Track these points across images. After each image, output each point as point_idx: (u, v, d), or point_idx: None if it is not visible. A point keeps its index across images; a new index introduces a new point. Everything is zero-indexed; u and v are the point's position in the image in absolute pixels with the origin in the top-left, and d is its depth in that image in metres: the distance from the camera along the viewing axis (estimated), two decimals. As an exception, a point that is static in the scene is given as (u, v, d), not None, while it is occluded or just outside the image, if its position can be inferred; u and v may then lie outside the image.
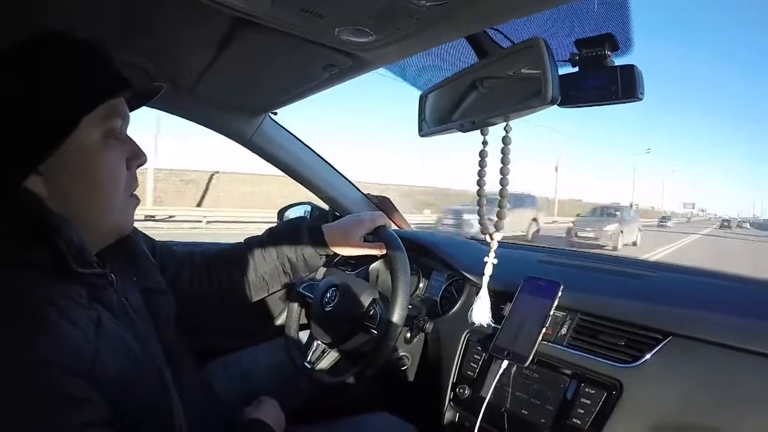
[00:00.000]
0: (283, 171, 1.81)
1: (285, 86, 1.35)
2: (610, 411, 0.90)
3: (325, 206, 1.96)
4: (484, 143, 0.98)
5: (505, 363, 1.05)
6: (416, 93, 1.12)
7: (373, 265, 1.46)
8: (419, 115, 1.08)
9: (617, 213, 18.99)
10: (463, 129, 0.96)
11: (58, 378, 0.56)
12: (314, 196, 1.94)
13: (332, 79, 1.20)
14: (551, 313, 1.06)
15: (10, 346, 0.55)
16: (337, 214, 1.92)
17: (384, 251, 1.18)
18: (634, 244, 18.78)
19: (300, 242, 1.18)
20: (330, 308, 1.22)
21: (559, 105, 0.83)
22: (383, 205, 1.96)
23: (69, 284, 0.65)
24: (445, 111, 1.02)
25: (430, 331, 1.27)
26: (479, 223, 1.03)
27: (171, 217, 18.42)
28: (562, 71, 0.83)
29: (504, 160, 0.93)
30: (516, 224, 17.51)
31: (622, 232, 17.40)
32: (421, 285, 1.51)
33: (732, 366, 0.84)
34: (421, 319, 1.27)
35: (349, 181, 1.95)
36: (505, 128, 0.92)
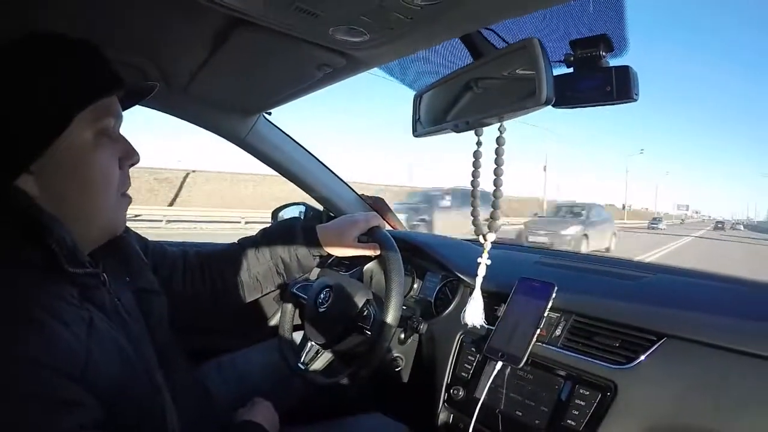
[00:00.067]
0: (277, 171, 1.80)
1: (279, 86, 1.35)
2: (605, 412, 0.90)
3: (320, 207, 1.95)
4: (479, 144, 0.97)
5: (500, 364, 1.04)
6: (410, 93, 1.11)
7: (367, 266, 1.46)
8: (413, 115, 1.08)
9: (582, 213, 15.37)
10: (458, 129, 0.96)
11: (49, 379, 0.56)
12: (307, 196, 1.94)
13: (327, 78, 1.19)
14: (545, 315, 1.05)
15: (0, 346, 0.55)
16: (332, 214, 1.92)
17: (378, 252, 1.18)
18: (607, 250, 15.16)
19: (294, 243, 1.18)
20: (324, 309, 1.22)
21: (553, 106, 0.83)
22: (377, 205, 1.96)
23: (61, 284, 0.65)
24: (440, 111, 1.02)
25: (424, 332, 1.27)
26: (472, 224, 1.03)
27: (137, 216, 17.71)
28: (556, 72, 0.83)
29: (498, 161, 0.93)
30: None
31: (586, 235, 14.08)
32: (415, 286, 1.51)
33: (726, 367, 0.84)
34: (416, 320, 1.27)
35: (344, 182, 1.95)
36: (499, 129, 0.92)
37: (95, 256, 0.77)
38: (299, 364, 1.29)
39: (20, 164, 0.66)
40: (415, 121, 1.08)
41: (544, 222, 15.95)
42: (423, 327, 1.27)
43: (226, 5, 0.80)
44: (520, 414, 1.01)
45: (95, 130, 0.71)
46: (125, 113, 0.79)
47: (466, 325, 1.10)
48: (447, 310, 1.31)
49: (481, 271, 1.04)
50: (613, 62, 0.86)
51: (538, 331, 1.04)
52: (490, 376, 1.04)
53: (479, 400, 1.04)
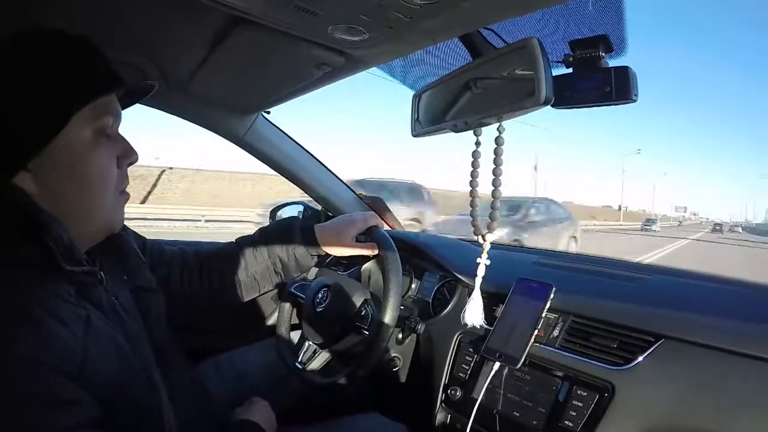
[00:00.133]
0: (275, 170, 1.80)
1: (278, 85, 1.35)
2: (602, 413, 0.90)
3: (318, 206, 1.95)
4: (477, 144, 0.97)
5: (497, 365, 1.04)
6: (409, 93, 1.11)
7: (365, 266, 1.46)
8: (412, 115, 1.08)
9: (517, 211, 10.71)
10: (456, 129, 0.96)
11: (46, 378, 0.55)
12: (302, 195, 1.94)
13: (325, 78, 1.19)
14: (543, 315, 1.05)
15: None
16: (330, 214, 1.91)
17: (376, 252, 1.17)
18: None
19: (292, 242, 1.18)
20: (321, 308, 1.22)
21: (552, 106, 0.83)
22: (375, 205, 1.96)
23: (58, 282, 0.65)
24: (439, 111, 1.02)
25: (422, 332, 1.27)
26: (472, 225, 1.03)
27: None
28: (555, 72, 0.83)
29: (497, 161, 0.93)
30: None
31: (517, 241, 9.81)
32: (413, 286, 1.51)
33: (724, 369, 0.84)
34: (413, 320, 1.26)
35: (342, 181, 1.94)
36: (498, 129, 0.92)
37: (92, 254, 0.77)
38: (297, 364, 1.29)
39: (18, 162, 0.66)
40: (414, 120, 1.08)
41: (455, 222, 11.29)
42: (421, 327, 1.26)
43: (226, 4, 0.80)
44: (518, 415, 1.01)
45: (94, 129, 0.70)
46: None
47: (466, 325, 1.10)
48: (445, 311, 1.31)
49: (481, 271, 1.04)
50: (613, 63, 0.86)
51: (536, 331, 1.04)
52: (488, 377, 1.04)
53: (477, 400, 1.04)
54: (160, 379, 0.80)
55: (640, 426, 0.87)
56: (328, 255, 1.24)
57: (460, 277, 1.33)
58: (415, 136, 1.07)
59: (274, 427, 1.09)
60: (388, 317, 1.06)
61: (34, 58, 0.66)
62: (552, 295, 1.06)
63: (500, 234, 11.09)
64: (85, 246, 0.74)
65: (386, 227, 1.92)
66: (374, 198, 2.01)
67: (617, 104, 0.83)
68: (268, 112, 1.67)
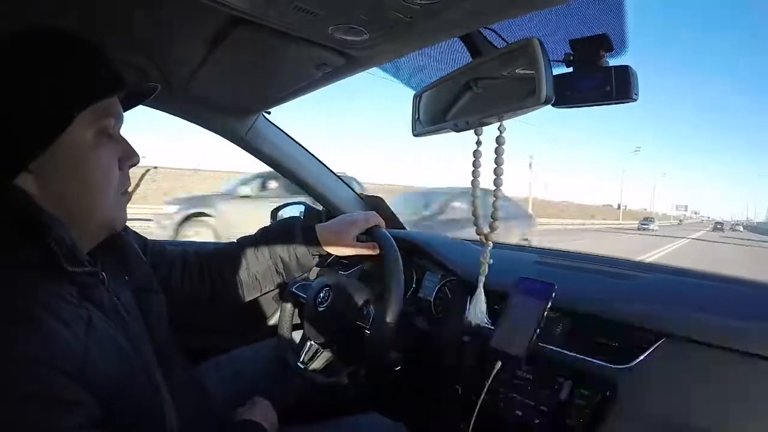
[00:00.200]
0: (276, 170, 1.80)
1: (278, 85, 1.35)
2: (604, 412, 0.90)
3: (319, 206, 1.95)
4: (478, 143, 0.97)
5: (499, 364, 1.04)
6: (409, 93, 1.11)
7: (367, 265, 1.46)
8: (413, 114, 1.08)
9: (432, 205, 8.37)
10: (457, 129, 0.96)
11: (47, 378, 0.56)
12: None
13: (326, 78, 1.19)
14: (545, 314, 1.05)
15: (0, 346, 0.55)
16: (331, 213, 1.91)
17: (377, 251, 1.17)
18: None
19: (293, 242, 1.18)
20: (323, 308, 1.22)
21: (553, 105, 0.82)
22: (376, 204, 1.96)
23: (59, 283, 0.65)
24: (439, 111, 1.02)
25: (423, 332, 1.27)
26: (474, 224, 1.03)
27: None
28: (556, 71, 0.83)
29: (498, 161, 0.93)
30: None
31: None
32: (414, 285, 1.51)
33: (726, 367, 0.84)
34: (415, 320, 1.26)
35: (343, 181, 1.95)
36: (499, 128, 0.92)
37: (94, 254, 0.77)
38: (298, 364, 1.29)
39: (19, 163, 0.66)
40: (415, 120, 1.07)
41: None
42: (422, 327, 1.26)
43: (226, 4, 0.80)
44: (520, 414, 1.01)
45: (95, 130, 0.70)
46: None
47: (469, 323, 1.10)
48: (446, 310, 1.31)
49: (484, 270, 1.04)
50: (613, 62, 0.86)
51: (538, 330, 1.03)
52: (490, 376, 1.04)
53: (478, 400, 1.03)
54: (162, 379, 0.80)
55: (641, 424, 0.87)
56: (329, 255, 1.24)
57: (461, 276, 1.33)
58: (415, 135, 1.07)
59: (276, 427, 1.09)
60: (390, 317, 1.06)
61: (34, 59, 0.66)
62: (554, 294, 1.06)
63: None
64: (86, 246, 0.74)
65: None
66: (375, 198, 2.01)
67: (618, 103, 0.83)
68: (269, 112, 1.67)
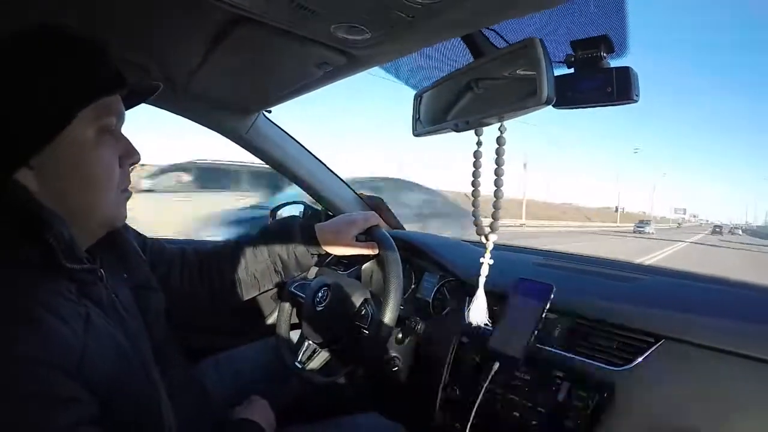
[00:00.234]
0: (276, 169, 1.81)
1: (279, 84, 1.35)
2: (602, 414, 0.90)
3: (318, 205, 1.95)
4: (479, 144, 0.97)
5: (497, 365, 1.04)
6: (410, 93, 1.11)
7: (366, 265, 1.46)
8: (413, 114, 1.08)
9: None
10: (458, 129, 0.96)
11: (46, 376, 0.56)
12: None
13: (327, 77, 1.19)
14: (544, 316, 1.05)
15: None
16: (330, 213, 1.91)
17: (376, 251, 1.17)
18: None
19: (292, 241, 1.18)
20: (321, 308, 1.22)
21: (554, 106, 0.83)
22: (376, 204, 1.96)
23: (58, 280, 0.65)
24: (440, 111, 1.02)
25: (421, 332, 1.27)
26: (474, 224, 1.03)
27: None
28: (557, 72, 0.83)
29: (498, 161, 0.93)
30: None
31: None
32: (413, 286, 1.51)
33: (724, 370, 0.84)
34: (413, 320, 1.26)
35: (342, 180, 1.95)
36: (499, 129, 0.92)
37: (93, 252, 0.78)
38: (296, 363, 1.29)
39: (20, 158, 0.66)
40: (415, 120, 1.08)
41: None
42: (420, 327, 1.26)
43: (227, 2, 0.80)
44: (518, 415, 1.01)
45: (97, 128, 0.70)
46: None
47: (469, 324, 1.10)
48: (445, 311, 1.32)
49: (484, 271, 1.04)
50: (614, 63, 0.86)
51: (536, 332, 1.03)
52: (488, 377, 1.04)
53: (476, 400, 1.03)
54: (160, 377, 0.80)
55: (639, 426, 0.87)
56: (328, 254, 1.24)
57: (460, 277, 1.33)
58: (416, 135, 1.07)
59: (273, 426, 1.09)
60: (388, 317, 1.06)
61: (34, 58, 0.66)
62: (552, 296, 1.06)
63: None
64: (85, 244, 0.74)
65: (386, 227, 1.92)
66: (374, 197, 2.01)
67: (619, 104, 0.83)
68: (269, 111, 1.67)
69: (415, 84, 1.19)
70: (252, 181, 8.02)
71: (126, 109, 0.78)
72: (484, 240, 1.02)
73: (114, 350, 0.67)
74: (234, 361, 1.43)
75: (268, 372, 1.39)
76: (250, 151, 1.74)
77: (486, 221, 1.02)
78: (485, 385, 1.04)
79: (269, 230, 1.22)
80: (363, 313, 1.17)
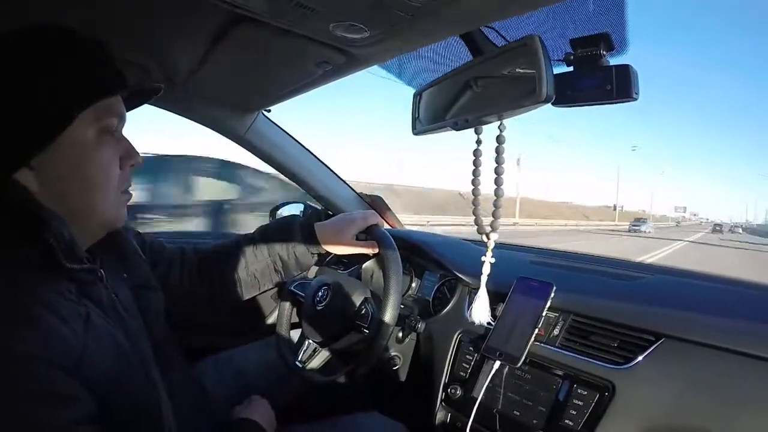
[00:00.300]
0: (275, 169, 1.80)
1: (278, 83, 1.35)
2: (603, 412, 0.90)
3: (318, 205, 1.95)
4: (478, 142, 0.97)
5: (497, 363, 1.04)
6: (409, 91, 1.11)
7: (366, 264, 1.46)
8: (413, 113, 1.08)
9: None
10: (457, 127, 0.96)
11: (45, 374, 0.56)
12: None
13: (326, 76, 1.19)
14: (544, 314, 1.05)
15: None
16: (330, 212, 1.91)
17: (376, 250, 1.17)
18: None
19: (292, 240, 1.18)
20: (321, 307, 1.21)
21: (553, 104, 0.83)
22: (376, 204, 1.96)
23: (58, 280, 0.65)
24: (439, 109, 1.02)
25: (422, 331, 1.27)
26: (475, 223, 1.03)
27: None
28: (556, 70, 0.83)
29: (498, 160, 0.93)
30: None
31: None
32: (413, 285, 1.51)
33: (724, 368, 0.84)
34: (413, 319, 1.26)
35: (342, 180, 1.94)
36: (499, 127, 0.92)
37: (93, 251, 0.78)
38: (296, 362, 1.29)
39: (21, 158, 0.66)
40: (415, 118, 1.07)
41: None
42: (421, 326, 1.26)
43: (227, 1, 0.80)
44: (518, 413, 1.01)
45: (97, 129, 0.70)
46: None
47: (473, 323, 1.10)
48: (445, 310, 1.31)
49: (486, 269, 1.04)
50: (614, 61, 0.86)
51: (537, 330, 1.03)
52: (488, 376, 1.04)
53: (477, 399, 1.04)
54: (159, 376, 0.80)
55: (640, 425, 0.87)
56: (328, 253, 1.24)
57: (460, 276, 1.33)
58: (415, 134, 1.07)
59: (274, 426, 1.09)
60: (388, 316, 1.06)
61: (34, 58, 0.66)
62: (552, 294, 1.06)
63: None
64: (85, 244, 0.74)
65: (386, 226, 1.92)
66: (374, 197, 2.01)
67: (618, 103, 0.83)
68: (269, 111, 1.67)
69: (415, 82, 1.19)
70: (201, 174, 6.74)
71: (127, 111, 0.78)
72: (485, 239, 1.02)
73: (113, 350, 0.67)
74: (234, 361, 1.42)
75: (269, 371, 1.39)
76: (250, 151, 1.73)
77: (486, 220, 1.02)
78: (485, 384, 1.04)
79: (269, 229, 1.22)
80: (363, 312, 1.17)
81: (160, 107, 1.52)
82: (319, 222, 1.22)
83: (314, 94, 1.38)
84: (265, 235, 1.20)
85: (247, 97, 1.51)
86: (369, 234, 1.19)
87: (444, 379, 1.20)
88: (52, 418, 0.55)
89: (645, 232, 41.54)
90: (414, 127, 1.07)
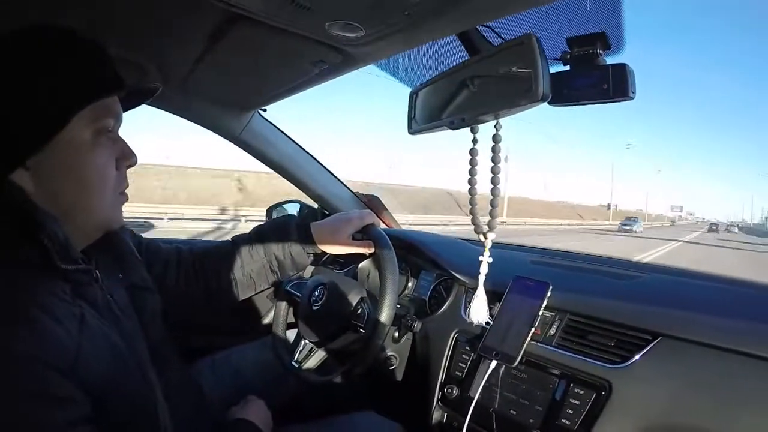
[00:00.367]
0: (272, 168, 1.80)
1: (275, 82, 1.35)
2: (600, 411, 0.90)
3: (314, 204, 1.94)
4: (474, 141, 0.97)
5: (494, 363, 1.04)
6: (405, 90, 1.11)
7: (362, 264, 1.45)
8: (409, 112, 1.08)
9: None
10: (453, 126, 0.96)
11: (41, 375, 0.55)
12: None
13: (322, 75, 1.19)
14: (540, 314, 1.05)
15: None
16: (326, 212, 1.91)
17: (372, 250, 1.17)
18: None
19: (288, 240, 1.17)
20: (317, 307, 1.21)
21: (549, 103, 0.83)
22: (372, 203, 1.96)
23: (53, 280, 0.65)
24: (436, 108, 1.02)
25: (418, 331, 1.27)
26: (472, 222, 1.03)
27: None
28: (553, 69, 0.83)
29: (495, 159, 0.93)
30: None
31: None
32: (409, 284, 1.51)
33: (721, 367, 0.84)
34: (410, 319, 1.26)
35: (339, 179, 1.94)
36: (495, 126, 0.92)
37: (88, 252, 0.77)
38: (293, 362, 1.28)
39: (17, 159, 0.65)
40: (411, 118, 1.07)
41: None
42: (417, 325, 1.26)
43: (223, 0, 0.79)
44: (515, 413, 1.01)
45: (93, 130, 0.70)
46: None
47: (471, 323, 1.11)
48: (441, 309, 1.31)
49: (483, 269, 1.05)
50: (610, 60, 0.86)
51: (533, 330, 1.04)
52: (485, 375, 1.04)
53: (473, 399, 1.03)
54: (156, 377, 0.79)
55: (637, 424, 0.87)
56: (324, 253, 1.23)
57: (456, 275, 1.32)
58: (411, 133, 1.07)
59: (270, 426, 1.09)
60: (385, 315, 1.06)
61: (33, 58, 0.66)
62: (549, 294, 1.06)
63: None
64: (81, 244, 0.74)
65: (383, 225, 1.91)
66: (371, 196, 2.01)
67: (615, 102, 0.83)
68: (265, 110, 1.67)
69: (411, 82, 1.18)
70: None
71: (124, 111, 0.77)
72: (482, 238, 1.02)
73: (109, 351, 0.67)
74: (230, 361, 1.42)
75: (265, 371, 1.39)
76: (246, 150, 1.73)
77: (484, 219, 1.02)
78: (482, 384, 1.04)
79: (265, 229, 1.21)
80: (359, 311, 1.17)
81: (156, 107, 1.52)
82: (315, 221, 1.21)
83: (310, 92, 1.38)
84: (261, 235, 1.19)
85: (243, 97, 1.51)
86: (365, 233, 1.18)
87: (440, 378, 1.20)
88: (48, 419, 0.55)
89: (635, 231, 40.49)
90: (410, 126, 1.07)
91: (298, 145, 1.81)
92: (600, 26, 0.86)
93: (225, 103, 1.56)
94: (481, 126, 0.97)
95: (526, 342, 1.02)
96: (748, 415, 0.79)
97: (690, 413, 0.84)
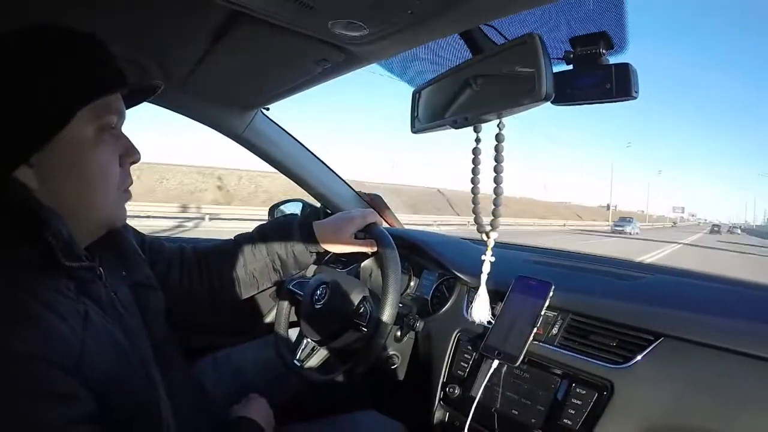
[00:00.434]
0: (274, 167, 1.80)
1: (277, 81, 1.34)
2: (601, 412, 0.90)
3: (317, 203, 1.95)
4: (477, 140, 0.97)
5: (496, 362, 1.04)
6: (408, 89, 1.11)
7: (364, 263, 1.45)
8: (412, 111, 1.08)
9: None
10: (456, 125, 0.96)
11: (45, 373, 0.55)
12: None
13: (325, 74, 1.19)
14: (542, 313, 1.05)
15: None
16: (328, 211, 1.91)
17: (375, 249, 1.17)
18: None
19: (290, 239, 1.18)
20: (320, 306, 1.21)
21: (552, 103, 0.83)
22: (374, 202, 1.96)
23: (57, 278, 0.65)
24: (438, 107, 1.02)
25: (420, 330, 1.27)
26: (475, 221, 1.03)
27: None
28: (556, 69, 0.83)
29: (498, 158, 0.93)
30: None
31: None
32: (411, 283, 1.51)
33: (723, 368, 0.84)
34: (412, 318, 1.26)
35: (341, 179, 1.94)
36: (498, 125, 0.92)
37: (92, 250, 0.77)
38: (295, 361, 1.29)
39: (20, 156, 0.65)
40: (414, 117, 1.07)
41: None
42: (419, 325, 1.26)
43: None
44: (516, 413, 1.01)
45: (96, 127, 0.70)
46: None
47: (473, 322, 1.10)
48: (443, 309, 1.31)
49: (486, 268, 1.05)
50: (613, 60, 0.86)
51: (535, 329, 1.03)
52: (487, 375, 1.04)
53: (475, 398, 1.03)
54: (159, 376, 0.79)
55: (639, 424, 0.87)
56: (326, 252, 1.23)
57: (459, 274, 1.32)
58: (414, 132, 1.07)
59: (272, 424, 1.09)
60: (387, 315, 1.06)
61: (34, 57, 0.66)
62: (551, 293, 1.06)
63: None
64: (84, 242, 0.74)
65: (385, 224, 1.91)
66: (373, 196, 2.01)
67: (617, 101, 0.83)
68: (267, 109, 1.67)
69: (414, 81, 1.19)
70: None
71: (126, 108, 0.77)
72: (484, 238, 1.02)
73: (112, 348, 0.67)
74: (233, 360, 1.42)
75: (267, 370, 1.39)
76: (249, 149, 1.73)
77: (486, 219, 1.02)
78: (484, 383, 1.04)
79: (268, 229, 1.22)
80: (362, 311, 1.17)
81: (159, 105, 1.52)
82: (317, 221, 1.22)
83: (313, 91, 1.38)
84: (263, 234, 1.20)
85: (245, 95, 1.51)
86: (368, 233, 1.19)
87: (442, 378, 1.20)
88: (52, 417, 0.55)
89: (630, 233, 38.29)
90: (413, 126, 1.07)
91: (301, 144, 1.81)
92: (603, 26, 0.86)
93: (227, 102, 1.56)
94: (483, 125, 0.97)
95: (528, 342, 1.02)
96: (751, 415, 0.79)
97: (692, 414, 0.84)
